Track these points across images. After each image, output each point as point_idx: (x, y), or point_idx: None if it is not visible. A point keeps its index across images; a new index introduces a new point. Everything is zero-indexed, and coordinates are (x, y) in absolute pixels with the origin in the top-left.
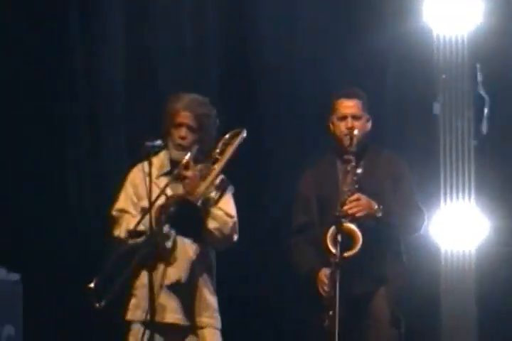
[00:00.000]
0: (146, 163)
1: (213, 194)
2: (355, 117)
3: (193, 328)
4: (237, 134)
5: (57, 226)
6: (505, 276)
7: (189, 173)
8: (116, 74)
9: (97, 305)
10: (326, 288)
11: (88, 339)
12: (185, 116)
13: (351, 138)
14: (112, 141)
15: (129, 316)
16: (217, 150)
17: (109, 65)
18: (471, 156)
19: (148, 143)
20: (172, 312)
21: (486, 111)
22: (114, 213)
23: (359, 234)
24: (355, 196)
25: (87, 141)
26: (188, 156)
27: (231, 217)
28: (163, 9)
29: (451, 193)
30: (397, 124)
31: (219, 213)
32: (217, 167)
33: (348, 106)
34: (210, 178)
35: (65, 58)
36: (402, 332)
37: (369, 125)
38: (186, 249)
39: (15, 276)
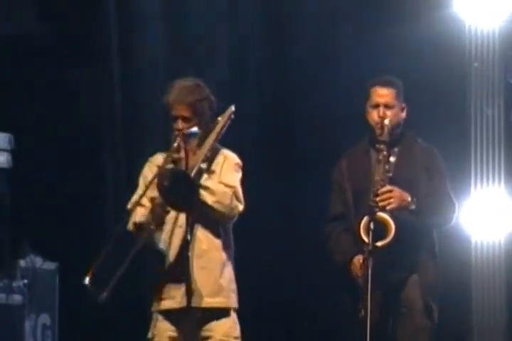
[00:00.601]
0: (157, 155)
1: (204, 165)
2: (387, 106)
3: (208, 310)
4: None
5: (93, 216)
6: None
7: (181, 155)
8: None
9: (99, 298)
10: (359, 275)
11: (123, 329)
12: (177, 109)
13: (382, 128)
14: None
15: (153, 308)
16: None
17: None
18: (502, 144)
19: (186, 131)
20: (194, 296)
21: None
22: (128, 207)
23: (392, 224)
24: (387, 188)
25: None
26: (177, 141)
27: (230, 187)
28: None
29: (481, 180)
30: (429, 111)
31: (217, 186)
32: (208, 140)
33: (381, 94)
34: (202, 151)
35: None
36: (434, 322)
37: (403, 114)
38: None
39: (51, 265)
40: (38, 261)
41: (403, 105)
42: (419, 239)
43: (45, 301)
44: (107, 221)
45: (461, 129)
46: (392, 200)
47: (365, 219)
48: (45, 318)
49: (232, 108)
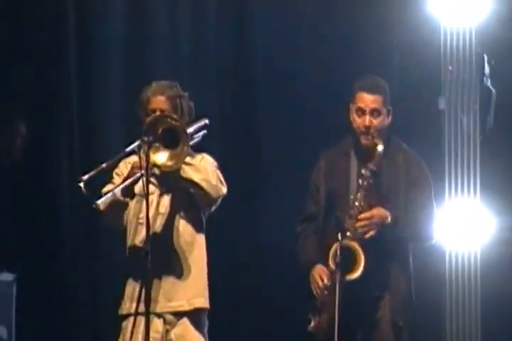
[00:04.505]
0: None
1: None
2: (374, 113)
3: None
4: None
5: (50, 228)
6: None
7: None
8: None
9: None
10: (317, 288)
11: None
12: (156, 101)
13: (373, 154)
14: None
15: (121, 311)
16: None
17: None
18: (477, 151)
19: (145, 138)
20: (164, 301)
21: (492, 104)
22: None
23: (362, 256)
24: (368, 214)
25: None
26: None
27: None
28: None
29: (456, 190)
30: (403, 117)
31: (200, 164)
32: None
33: (368, 101)
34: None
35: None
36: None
37: (389, 118)
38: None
39: (8, 276)
40: None
41: (389, 108)
42: (393, 256)
43: (2, 313)
44: (64, 233)
45: (435, 136)
46: (372, 227)
47: (335, 245)
48: (1, 330)
49: (206, 120)
